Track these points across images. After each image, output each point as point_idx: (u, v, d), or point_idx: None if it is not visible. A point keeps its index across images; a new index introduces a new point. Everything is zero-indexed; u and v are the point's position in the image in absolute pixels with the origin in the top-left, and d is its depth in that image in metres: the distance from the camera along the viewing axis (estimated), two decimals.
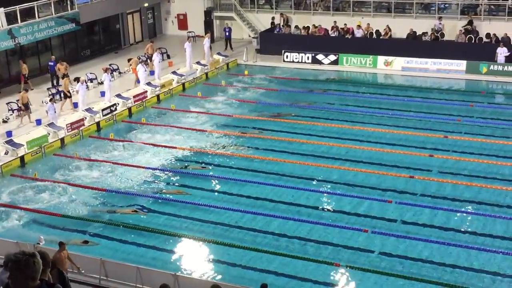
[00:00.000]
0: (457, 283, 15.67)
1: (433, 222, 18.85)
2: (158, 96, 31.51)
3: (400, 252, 17.25)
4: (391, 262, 16.82)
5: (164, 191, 21.58)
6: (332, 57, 37.31)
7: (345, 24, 38.97)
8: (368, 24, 38.64)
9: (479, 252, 17.07)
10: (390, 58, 36.14)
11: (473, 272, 16.24)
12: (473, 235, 18.13)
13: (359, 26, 38.48)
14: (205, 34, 38.46)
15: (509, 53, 33.99)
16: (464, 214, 19.33)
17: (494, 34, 35.64)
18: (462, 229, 18.46)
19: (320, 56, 37.51)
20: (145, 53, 36.11)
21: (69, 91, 29.60)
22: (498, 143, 24.54)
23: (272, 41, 39.63)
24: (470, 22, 36.45)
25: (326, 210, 20.01)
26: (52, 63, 33.00)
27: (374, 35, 38.30)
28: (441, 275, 16.16)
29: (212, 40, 39.73)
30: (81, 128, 27.08)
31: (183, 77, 33.73)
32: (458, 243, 17.57)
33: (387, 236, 18.11)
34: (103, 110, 28.55)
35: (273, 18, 41.24)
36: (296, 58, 38.01)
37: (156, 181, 22.25)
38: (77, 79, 30.19)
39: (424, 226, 18.62)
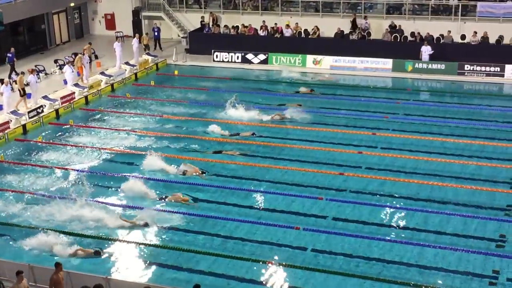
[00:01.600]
0: (386, 277, 15.97)
1: (361, 218, 19.15)
2: (86, 97, 30.98)
3: (332, 249, 17.45)
4: (324, 259, 17.00)
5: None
6: (262, 57, 37.52)
7: (275, 24, 39.23)
8: (297, 23, 39.01)
9: (408, 246, 17.43)
10: (319, 57, 36.61)
11: (404, 266, 16.55)
12: (403, 229, 18.51)
13: (288, 26, 38.80)
14: (134, 35, 38.02)
15: (432, 51, 34.93)
16: (392, 209, 19.70)
17: (419, 33, 36.56)
18: (391, 224, 18.82)
19: (249, 56, 37.67)
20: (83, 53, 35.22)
21: (23, 88, 28.66)
22: (424, 139, 25.12)
23: (202, 41, 39.55)
24: (393, 26, 37.35)
25: (257, 208, 20.04)
26: (10, 55, 33.67)
27: (303, 34, 38.69)
28: (372, 269, 16.42)
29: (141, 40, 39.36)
30: (6, 131, 26.36)
31: (111, 78, 33.27)
32: (387, 237, 17.91)
33: (318, 233, 18.30)
34: (29, 112, 27.89)
35: (202, 17, 41.15)
36: (226, 58, 38.05)
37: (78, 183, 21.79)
38: (0, 81, 29.40)
39: (354, 222, 18.90)
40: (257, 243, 17.88)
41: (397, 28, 37.26)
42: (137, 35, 37.43)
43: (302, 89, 32.27)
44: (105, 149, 24.77)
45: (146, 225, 18.76)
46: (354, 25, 37.83)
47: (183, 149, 24.68)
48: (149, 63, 36.73)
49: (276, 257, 17.17)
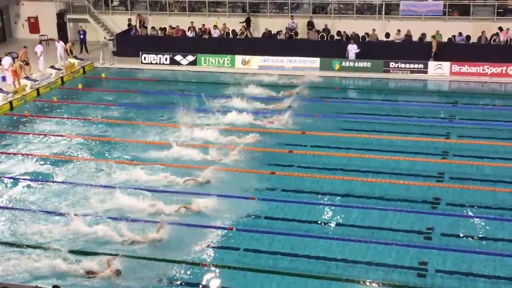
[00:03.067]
0: (320, 273, 16.14)
1: (295, 216, 19.28)
2: (11, 102, 30.19)
3: (264, 248, 17.52)
4: (257, 258, 17.05)
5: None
6: (190, 58, 37.43)
7: (203, 25, 39.17)
8: (224, 24, 39.07)
9: (340, 242, 17.67)
10: (247, 57, 36.77)
11: (336, 262, 16.74)
12: (338, 226, 18.76)
13: (215, 26, 38.81)
14: (58, 39, 37.29)
15: (359, 50, 35.57)
16: (326, 207, 19.88)
17: (345, 32, 37.16)
18: (323, 221, 19.02)
19: (178, 57, 37.51)
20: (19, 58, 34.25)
21: None
22: (353, 137, 25.49)
23: (129, 43, 39.17)
24: (311, 24, 37.90)
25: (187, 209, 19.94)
26: None
27: (231, 35, 38.77)
28: (304, 266, 16.56)
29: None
30: None
31: (37, 82, 32.55)
32: (320, 234, 18.11)
33: (251, 232, 18.34)
34: None
35: (129, 19, 40.72)
36: (154, 60, 37.77)
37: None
38: None
39: (287, 221, 19.02)
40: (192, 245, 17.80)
41: (314, 26, 37.80)
42: (61, 41, 36.69)
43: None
44: (33, 155, 24.19)
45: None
46: (310, 24, 38.03)
47: (111, 152, 24.36)
48: (75, 66, 36.08)
49: (210, 258, 17.13)
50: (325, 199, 20.35)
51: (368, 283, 15.68)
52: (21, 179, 22.17)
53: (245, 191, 20.76)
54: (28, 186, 21.61)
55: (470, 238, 17.66)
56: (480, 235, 17.80)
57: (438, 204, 19.76)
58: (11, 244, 17.82)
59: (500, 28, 35.37)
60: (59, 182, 21.90)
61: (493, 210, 19.17)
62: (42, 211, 19.67)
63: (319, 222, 18.96)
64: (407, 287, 15.38)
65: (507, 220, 18.43)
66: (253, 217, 19.26)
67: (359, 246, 17.38)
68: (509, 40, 35.13)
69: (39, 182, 21.83)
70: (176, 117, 27.64)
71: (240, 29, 38.44)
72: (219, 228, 18.61)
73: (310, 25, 37.99)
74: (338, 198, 20.40)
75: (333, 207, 19.82)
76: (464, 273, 15.86)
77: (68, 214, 18.90)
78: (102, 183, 21.52)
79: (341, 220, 19.03)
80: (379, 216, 19.10)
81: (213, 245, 17.77)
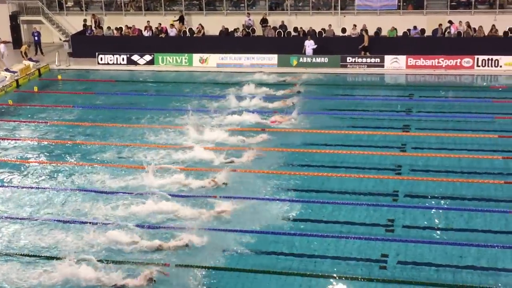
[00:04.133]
0: (284, 269, 16.18)
1: None
2: None
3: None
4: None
5: None
6: (148, 57, 37.21)
7: (159, 24, 38.96)
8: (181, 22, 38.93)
9: (304, 237, 17.71)
10: (205, 55, 36.70)
11: (301, 258, 16.80)
12: (295, 221, 18.80)
13: (172, 25, 38.65)
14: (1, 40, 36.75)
15: (316, 46, 35.78)
16: (282, 202, 19.84)
17: (301, 28, 37.35)
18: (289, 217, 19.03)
19: (135, 57, 37.26)
20: None
21: None
22: (313, 132, 25.56)
23: (85, 44, 38.75)
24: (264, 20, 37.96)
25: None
26: None
27: (188, 33, 38.64)
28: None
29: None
30: None
31: None
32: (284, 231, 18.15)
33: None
34: None
35: (85, 20, 40.28)
36: (111, 60, 37.44)
37: None
38: None
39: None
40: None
41: (268, 22, 37.94)
42: (5, 40, 36.14)
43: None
44: None
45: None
46: (264, 21, 38.08)
47: (72, 155, 24.09)
48: (30, 69, 35.56)
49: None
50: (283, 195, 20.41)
51: (332, 277, 15.76)
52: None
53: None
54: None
55: (430, 229, 17.89)
56: (440, 226, 18.05)
57: (397, 196, 19.98)
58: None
59: (450, 22, 35.97)
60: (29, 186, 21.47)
61: (451, 201, 19.44)
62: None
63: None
64: (370, 279, 15.53)
65: (466, 210, 18.72)
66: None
67: (321, 240, 17.43)
68: (462, 33, 35.71)
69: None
70: (144, 118, 27.60)
71: (197, 27, 38.35)
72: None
73: (264, 22, 38.07)
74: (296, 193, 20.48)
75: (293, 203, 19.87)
76: (425, 264, 16.06)
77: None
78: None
79: (303, 216, 19.10)
80: (339, 210, 19.20)
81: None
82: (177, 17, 39.11)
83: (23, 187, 21.37)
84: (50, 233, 18.13)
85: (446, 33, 35.94)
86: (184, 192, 20.44)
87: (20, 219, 19.13)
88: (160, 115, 27.99)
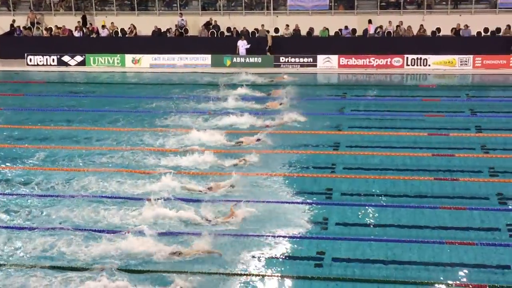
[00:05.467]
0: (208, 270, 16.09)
1: None
2: None
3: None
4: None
5: None
6: (79, 58, 36.61)
7: (90, 24, 38.38)
8: (112, 23, 38.45)
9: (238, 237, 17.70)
10: (137, 56, 36.34)
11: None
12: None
13: (104, 26, 38.12)
14: None
15: (249, 45, 35.91)
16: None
17: (234, 28, 37.40)
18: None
19: (66, 58, 36.61)
20: None
21: None
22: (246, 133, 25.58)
23: (13, 45, 37.91)
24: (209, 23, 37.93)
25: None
26: None
27: (120, 34, 38.19)
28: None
29: None
30: None
31: None
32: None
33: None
34: None
35: (13, 20, 39.31)
36: (40, 61, 36.68)
37: None
38: None
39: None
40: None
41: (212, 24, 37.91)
42: None
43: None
44: None
45: None
46: (207, 24, 37.90)
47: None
48: None
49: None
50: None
51: (267, 277, 15.74)
52: None
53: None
54: None
55: (364, 226, 18.13)
56: (374, 223, 18.31)
57: (331, 194, 20.18)
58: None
59: (370, 21, 36.72)
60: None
61: (386, 198, 19.74)
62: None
63: None
64: (307, 278, 15.61)
65: (399, 206, 19.04)
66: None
67: (257, 240, 17.44)
68: (392, 33, 36.45)
69: None
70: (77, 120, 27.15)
71: (129, 27, 37.95)
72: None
73: (207, 24, 37.97)
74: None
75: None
76: (360, 260, 16.27)
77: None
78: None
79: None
80: (275, 208, 19.21)
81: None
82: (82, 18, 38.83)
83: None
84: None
85: (376, 33, 36.61)
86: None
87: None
88: (99, 117, 27.56)
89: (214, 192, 19.87)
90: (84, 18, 38.77)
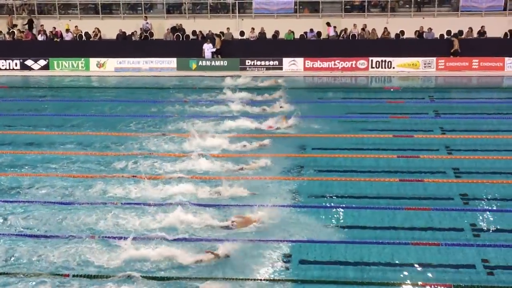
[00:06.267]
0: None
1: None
2: None
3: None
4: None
5: None
6: (42, 62, 36.23)
7: (54, 28, 38.00)
8: (76, 26, 38.11)
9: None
10: (102, 60, 36.06)
11: None
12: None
13: (67, 30, 37.76)
14: None
15: (214, 49, 35.87)
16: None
17: (200, 31, 37.32)
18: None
19: (29, 62, 36.22)
20: None
21: None
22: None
23: None
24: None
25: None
26: None
27: (84, 37, 37.85)
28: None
29: None
30: None
31: None
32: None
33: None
34: None
35: None
36: (3, 65, 36.19)
37: None
38: None
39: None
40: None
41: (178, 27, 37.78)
42: None
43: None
44: None
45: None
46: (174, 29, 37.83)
47: None
48: None
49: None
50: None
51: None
52: None
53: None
54: None
55: (329, 228, 18.02)
56: (338, 224, 18.26)
57: (300, 197, 20.15)
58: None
59: (328, 24, 37.01)
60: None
61: (354, 200, 19.63)
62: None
63: None
64: (275, 280, 15.56)
65: (363, 208, 19.09)
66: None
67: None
68: (356, 35, 36.72)
69: None
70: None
71: (93, 31, 37.64)
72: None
73: (173, 30, 37.88)
74: None
75: None
76: (325, 262, 16.29)
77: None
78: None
79: None
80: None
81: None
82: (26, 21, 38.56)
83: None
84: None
85: (340, 36, 36.85)
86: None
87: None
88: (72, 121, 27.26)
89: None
90: (30, 22, 38.33)
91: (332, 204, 19.54)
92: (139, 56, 36.17)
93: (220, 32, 37.25)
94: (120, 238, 16.69)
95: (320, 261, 16.34)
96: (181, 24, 37.98)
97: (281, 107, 28.60)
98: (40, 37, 37.79)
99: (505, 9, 37.97)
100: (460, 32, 36.85)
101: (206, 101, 30.02)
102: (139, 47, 37.08)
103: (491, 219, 18.19)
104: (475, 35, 36.81)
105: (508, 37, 36.78)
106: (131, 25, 38.23)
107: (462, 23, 37.14)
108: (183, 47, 37.21)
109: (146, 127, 26.58)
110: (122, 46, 37.34)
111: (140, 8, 39.46)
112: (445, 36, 36.74)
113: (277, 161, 22.44)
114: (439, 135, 25.39)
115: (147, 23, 38.20)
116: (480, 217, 18.26)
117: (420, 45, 36.40)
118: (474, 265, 15.81)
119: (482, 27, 36.83)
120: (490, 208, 18.82)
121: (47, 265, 15.78)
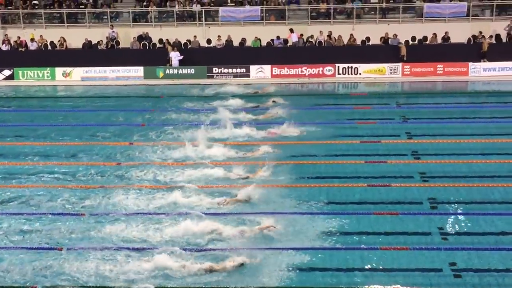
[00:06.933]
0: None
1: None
2: None
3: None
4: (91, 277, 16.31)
5: None
6: (7, 72, 35.82)
7: (19, 37, 37.58)
8: (41, 35, 37.73)
9: None
10: (68, 69, 35.76)
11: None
12: None
13: (32, 39, 37.38)
14: None
15: (182, 57, 35.79)
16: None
17: (167, 39, 37.22)
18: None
19: None
20: None
21: None
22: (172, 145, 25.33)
23: None
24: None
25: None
26: None
27: (49, 47, 37.50)
28: None
29: None
30: None
31: None
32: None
33: (84, 250, 17.56)
34: None
35: None
36: None
37: None
38: None
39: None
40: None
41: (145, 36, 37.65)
42: None
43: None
44: None
45: None
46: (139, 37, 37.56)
47: None
48: None
49: (40, 281, 16.31)
50: None
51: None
52: None
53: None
54: None
55: (298, 234, 17.98)
56: (308, 230, 18.28)
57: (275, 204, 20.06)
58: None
59: (291, 30, 37.23)
60: None
61: (318, 205, 19.73)
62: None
63: None
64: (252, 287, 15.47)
65: (332, 214, 19.13)
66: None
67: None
68: (323, 42, 36.95)
69: None
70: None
71: (59, 40, 37.32)
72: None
73: (140, 38, 37.70)
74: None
75: None
76: (295, 268, 16.28)
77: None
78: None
79: None
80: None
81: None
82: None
83: None
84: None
85: (307, 42, 37.04)
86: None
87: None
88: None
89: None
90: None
91: (301, 211, 19.55)
92: (105, 65, 35.93)
93: (187, 40, 37.18)
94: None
95: (287, 268, 16.28)
96: (147, 33, 37.85)
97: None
98: (4, 47, 37.33)
99: (468, 15, 38.55)
100: (425, 38, 37.28)
101: (183, 108, 29.83)
102: (105, 56, 36.83)
103: (459, 222, 18.40)
104: (439, 40, 37.28)
105: (472, 43, 37.33)
106: (97, 34, 37.98)
107: (426, 29, 37.60)
108: (150, 55, 37.07)
109: (113, 137, 26.40)
110: (88, 55, 37.06)
111: (106, 17, 39.24)
112: (410, 42, 37.14)
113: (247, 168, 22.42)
114: (406, 140, 25.60)
115: (113, 31, 37.97)
116: (448, 221, 18.46)
117: (386, 51, 36.75)
118: (442, 269, 15.94)
119: (446, 32, 37.31)
120: (457, 211, 19.03)
121: None
